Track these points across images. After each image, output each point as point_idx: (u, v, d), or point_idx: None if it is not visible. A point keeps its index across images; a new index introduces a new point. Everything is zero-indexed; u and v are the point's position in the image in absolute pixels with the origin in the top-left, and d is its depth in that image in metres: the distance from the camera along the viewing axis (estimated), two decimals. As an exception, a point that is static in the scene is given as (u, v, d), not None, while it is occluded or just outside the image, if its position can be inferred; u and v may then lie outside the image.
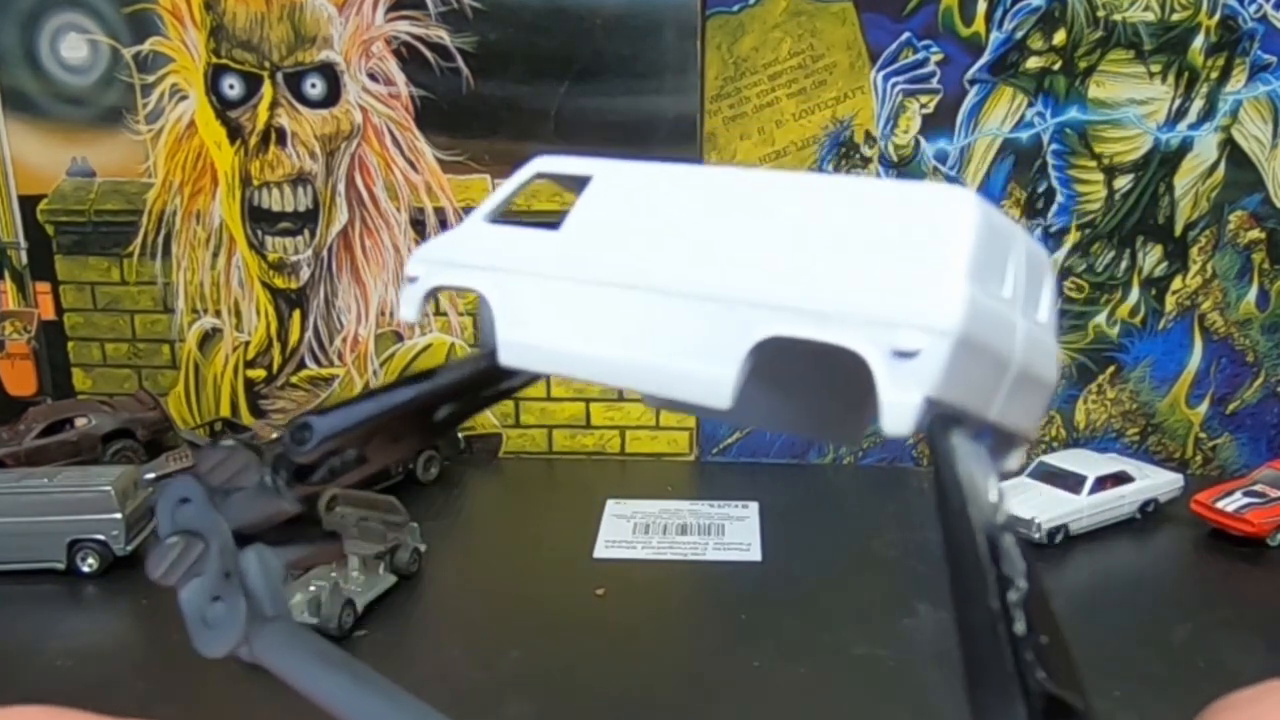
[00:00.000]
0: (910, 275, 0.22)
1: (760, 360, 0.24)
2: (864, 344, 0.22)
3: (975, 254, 0.22)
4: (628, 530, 1.04)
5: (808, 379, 0.25)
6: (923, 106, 1.14)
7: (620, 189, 0.27)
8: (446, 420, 0.29)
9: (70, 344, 1.27)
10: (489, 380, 0.29)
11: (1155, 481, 1.08)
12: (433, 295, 0.29)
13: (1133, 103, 1.13)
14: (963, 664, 0.20)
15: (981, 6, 1.11)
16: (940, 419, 0.22)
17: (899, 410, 0.22)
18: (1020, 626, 0.19)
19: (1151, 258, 1.17)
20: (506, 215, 0.31)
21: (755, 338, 0.23)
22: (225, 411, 1.27)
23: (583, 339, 0.26)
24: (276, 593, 0.30)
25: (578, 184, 0.28)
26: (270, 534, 0.31)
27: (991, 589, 0.20)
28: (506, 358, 0.27)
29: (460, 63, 1.15)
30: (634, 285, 0.25)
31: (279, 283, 1.24)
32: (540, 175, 0.29)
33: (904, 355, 0.21)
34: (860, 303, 0.22)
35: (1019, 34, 1.12)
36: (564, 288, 0.26)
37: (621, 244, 0.26)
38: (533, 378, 0.29)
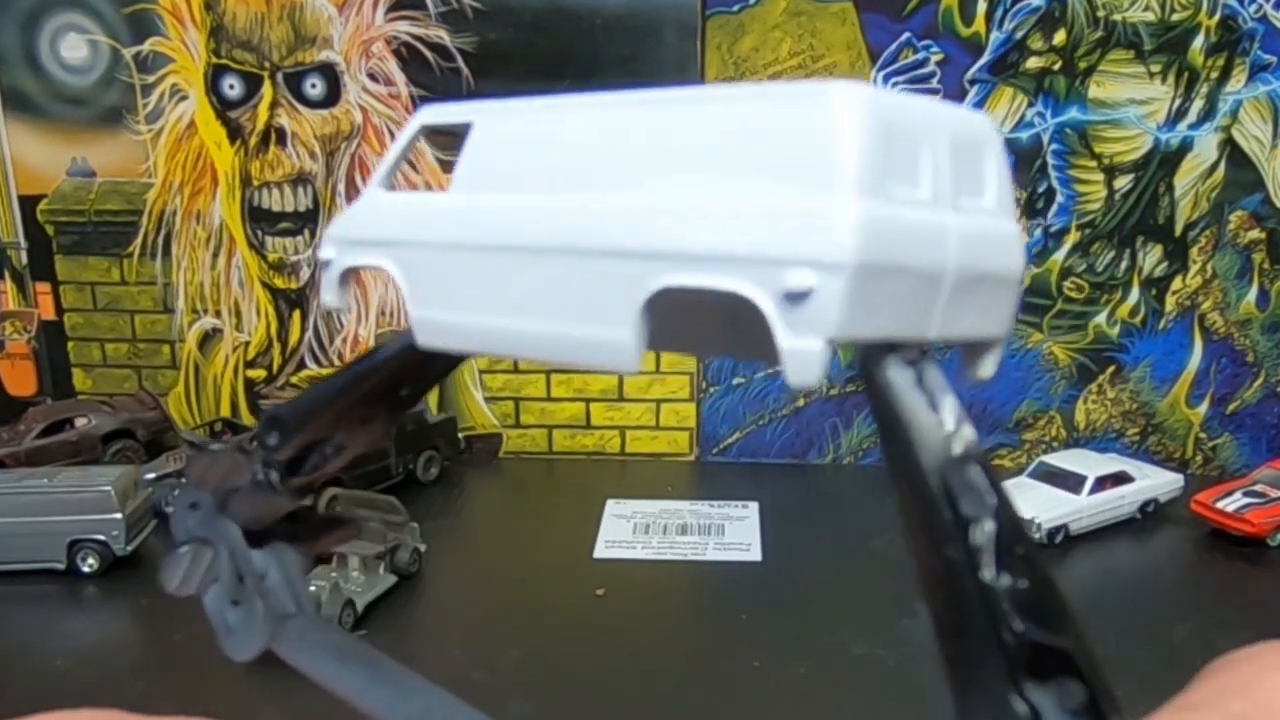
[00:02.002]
0: (791, 201, 0.19)
1: (662, 310, 0.21)
2: (751, 288, 0.19)
3: (867, 160, 0.19)
4: (628, 530, 1.04)
5: (720, 308, 0.21)
6: (923, 106, 1.14)
7: (498, 135, 0.25)
8: (410, 395, 0.28)
9: (70, 344, 1.27)
10: (431, 354, 0.27)
11: (1155, 481, 1.08)
12: (350, 277, 0.28)
13: (1133, 103, 1.13)
14: (931, 627, 0.18)
15: (981, 7, 1.11)
16: (869, 351, 0.19)
17: (801, 359, 0.19)
18: (988, 572, 0.17)
19: (1151, 258, 1.17)
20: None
21: (645, 292, 0.20)
22: (225, 411, 1.27)
23: (485, 311, 0.24)
24: (295, 589, 0.30)
25: (464, 134, 0.26)
26: (283, 528, 0.31)
27: (948, 532, 0.17)
28: (422, 338, 0.25)
29: (460, 63, 1.15)
30: (521, 246, 0.23)
31: (279, 283, 1.24)
32: (426, 128, 0.27)
33: (796, 297, 0.19)
34: (741, 240, 0.19)
35: (1019, 34, 1.12)
36: (459, 257, 0.25)
37: (505, 200, 0.24)
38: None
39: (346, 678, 0.28)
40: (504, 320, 0.24)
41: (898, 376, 0.19)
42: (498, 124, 0.26)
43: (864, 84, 0.19)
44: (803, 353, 0.19)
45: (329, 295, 0.28)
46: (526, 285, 0.23)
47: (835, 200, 0.19)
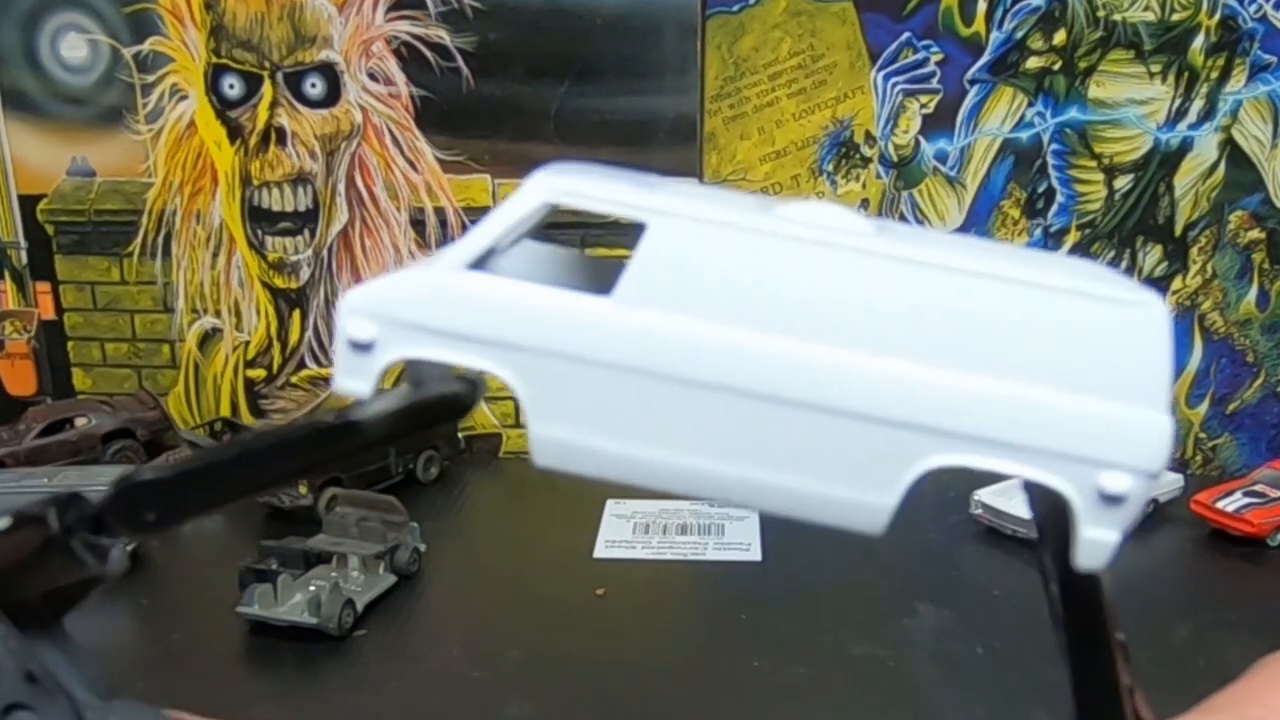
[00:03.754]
0: (1110, 408, 0.20)
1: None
2: (1065, 484, 0.20)
3: (1170, 377, 0.21)
4: (628, 530, 1.04)
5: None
6: (923, 106, 1.14)
7: (696, 249, 0.21)
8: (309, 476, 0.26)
9: (70, 344, 1.27)
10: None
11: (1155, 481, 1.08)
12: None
13: (1133, 103, 1.13)
14: None
15: (981, 6, 1.11)
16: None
17: (1098, 548, 0.21)
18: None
19: (1151, 258, 1.17)
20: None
21: (923, 466, 0.20)
22: (225, 411, 1.27)
23: (666, 446, 0.21)
24: (93, 675, 0.25)
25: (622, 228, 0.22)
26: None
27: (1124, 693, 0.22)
28: (544, 458, 0.22)
29: (460, 63, 1.15)
30: (746, 390, 0.20)
31: (279, 283, 1.24)
32: (549, 206, 0.22)
33: (1109, 497, 0.21)
34: (1059, 438, 0.20)
35: (1019, 34, 1.12)
36: (636, 381, 0.21)
37: (711, 330, 0.20)
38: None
39: None
40: (697, 460, 0.21)
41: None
42: (690, 234, 0.21)
43: (1159, 300, 0.20)
44: (1101, 543, 0.21)
45: (361, 383, 0.22)
46: (742, 429, 0.20)
47: (1155, 416, 0.20)
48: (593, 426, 0.21)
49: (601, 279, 0.23)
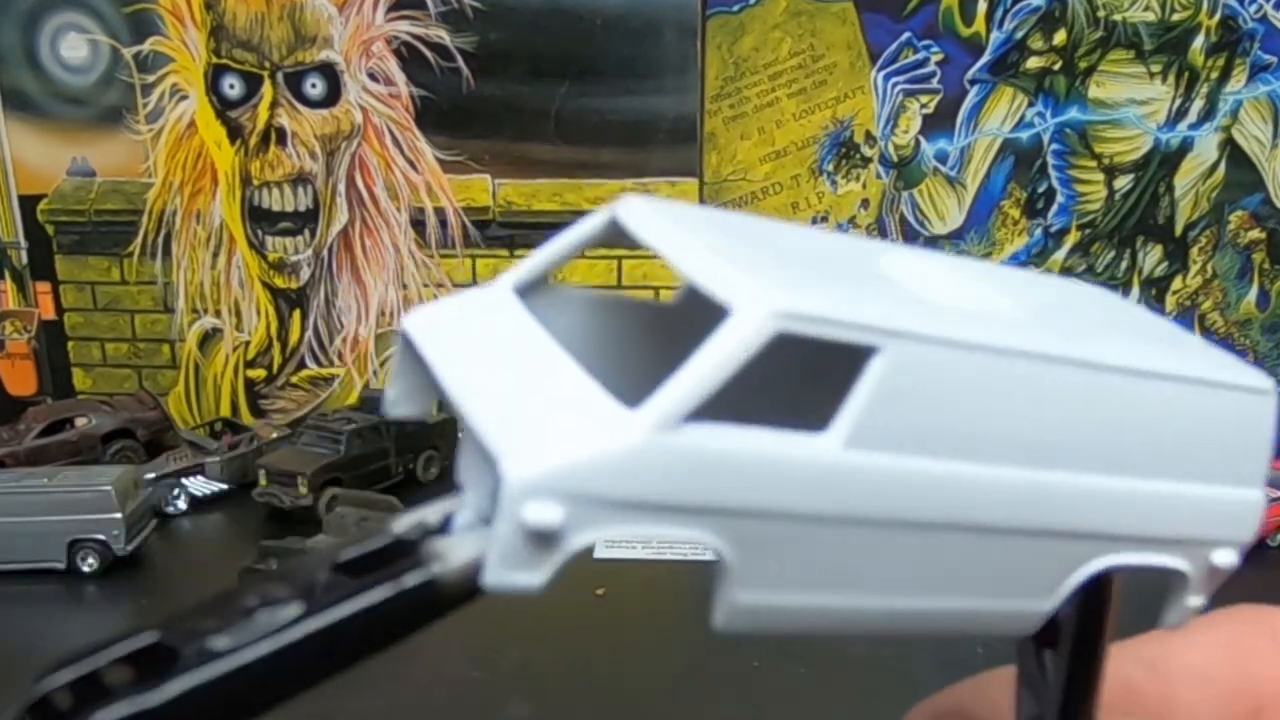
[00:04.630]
0: (1230, 493, 0.22)
1: None
2: (1185, 563, 0.22)
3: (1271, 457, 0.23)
4: (628, 530, 1.04)
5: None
6: (923, 106, 1.14)
7: (915, 379, 0.19)
8: None
9: (70, 344, 1.27)
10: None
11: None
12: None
13: (1133, 103, 1.13)
14: None
15: (981, 6, 1.11)
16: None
17: (1188, 613, 0.23)
18: None
19: (1151, 258, 1.17)
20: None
21: (1087, 570, 0.21)
22: (225, 411, 1.27)
23: (856, 592, 0.19)
24: None
25: (842, 351, 0.18)
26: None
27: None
28: (731, 622, 0.18)
29: (460, 63, 1.15)
30: (945, 524, 0.19)
31: (279, 283, 1.24)
32: (783, 336, 0.17)
33: (1218, 571, 0.23)
34: (1193, 527, 0.22)
35: (1019, 34, 1.12)
36: (848, 531, 0.18)
37: (926, 468, 0.19)
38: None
39: None
40: (880, 601, 0.19)
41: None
42: (924, 362, 0.19)
43: (1273, 386, 0.22)
44: (1193, 609, 0.23)
45: (526, 575, 0.17)
46: (933, 564, 0.19)
47: (1259, 496, 0.23)
48: (797, 584, 0.18)
49: (660, 331, 0.21)
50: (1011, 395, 0.19)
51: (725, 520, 0.18)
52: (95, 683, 0.17)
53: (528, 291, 0.21)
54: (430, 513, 0.19)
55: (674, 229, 0.20)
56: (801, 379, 0.20)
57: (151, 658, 0.17)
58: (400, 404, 0.21)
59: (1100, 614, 0.23)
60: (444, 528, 0.18)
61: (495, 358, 0.20)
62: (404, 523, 0.18)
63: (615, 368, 0.20)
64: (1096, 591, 0.22)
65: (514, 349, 0.20)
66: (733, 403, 0.17)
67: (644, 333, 0.23)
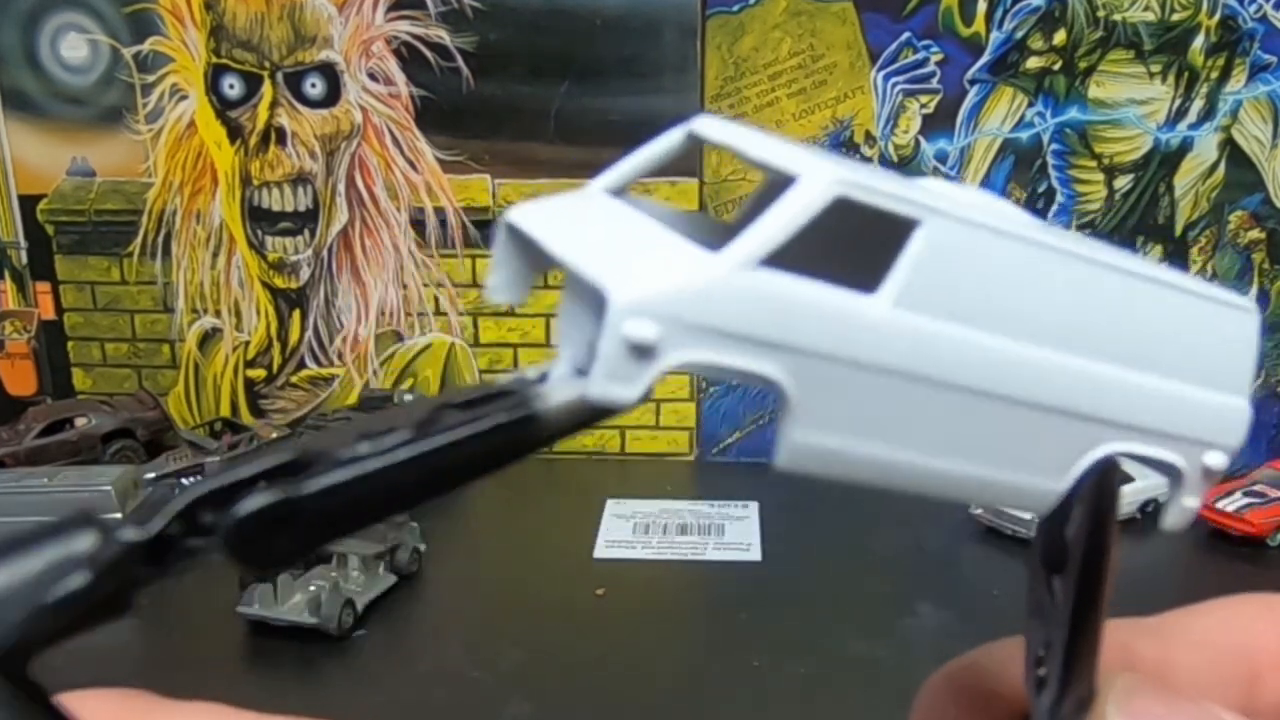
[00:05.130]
0: (1221, 399, 0.24)
1: None
2: (1181, 461, 0.24)
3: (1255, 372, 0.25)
4: (628, 530, 1.04)
5: None
6: (923, 106, 1.14)
7: (953, 253, 0.21)
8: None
9: (70, 344, 1.27)
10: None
11: (1155, 481, 1.07)
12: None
13: (1133, 103, 1.13)
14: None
15: (981, 6, 1.11)
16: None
17: (1186, 515, 0.25)
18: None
19: (1151, 258, 1.17)
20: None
21: (1095, 454, 0.23)
22: (225, 411, 1.27)
23: (897, 445, 0.21)
24: None
25: (881, 220, 0.21)
26: None
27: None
28: (792, 460, 0.21)
29: (460, 63, 1.15)
30: (978, 389, 0.21)
31: (279, 283, 1.24)
32: (841, 200, 0.20)
33: (1209, 472, 0.24)
34: (1190, 424, 0.24)
35: (1019, 34, 1.12)
36: (892, 384, 0.21)
37: (962, 334, 0.21)
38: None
39: None
40: (915, 456, 0.22)
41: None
42: (957, 241, 0.21)
43: (1255, 306, 0.25)
44: (1191, 510, 0.25)
45: (624, 389, 0.19)
46: (964, 427, 0.22)
47: (1245, 404, 0.25)
48: (846, 429, 0.21)
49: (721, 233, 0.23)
50: (1037, 280, 0.22)
51: (790, 357, 0.20)
52: (237, 496, 0.19)
53: (614, 195, 0.25)
54: (529, 371, 0.21)
55: (748, 134, 0.23)
56: (838, 272, 0.21)
57: (290, 473, 0.19)
58: (501, 290, 0.23)
59: (1104, 529, 0.25)
60: (542, 380, 0.21)
61: (594, 225, 0.23)
62: (506, 378, 0.21)
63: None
64: (1101, 504, 0.24)
65: (611, 219, 0.23)
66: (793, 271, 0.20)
67: (713, 236, 0.25)
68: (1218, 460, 0.24)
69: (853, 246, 0.21)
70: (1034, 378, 0.22)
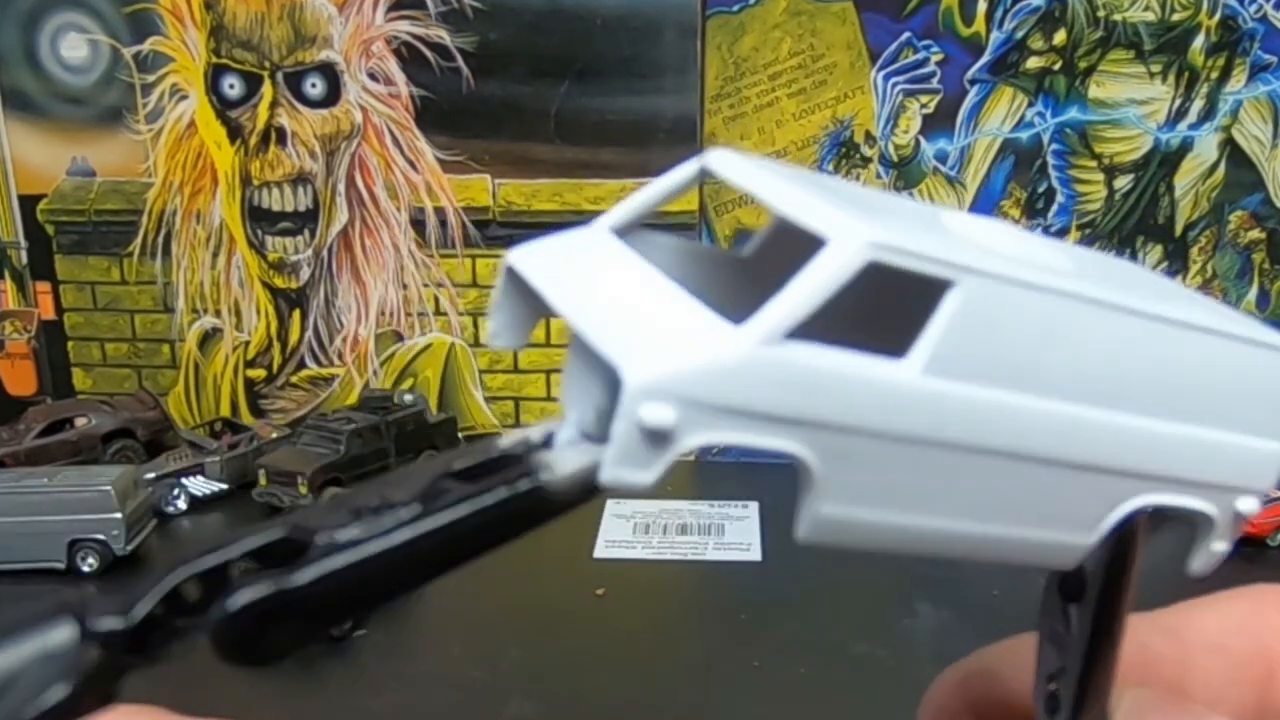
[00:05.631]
0: (1255, 444, 0.24)
1: None
2: (1214, 508, 0.24)
3: None
4: (628, 530, 1.04)
5: None
6: (923, 106, 1.14)
7: (986, 314, 0.20)
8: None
9: (70, 344, 1.27)
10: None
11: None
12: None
13: (1133, 103, 1.13)
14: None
15: (981, 6, 1.11)
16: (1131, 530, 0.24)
17: (1215, 559, 0.25)
18: None
19: (1151, 258, 1.17)
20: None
21: (1128, 508, 0.23)
22: (225, 411, 1.27)
23: (924, 513, 0.21)
24: None
25: (921, 282, 0.20)
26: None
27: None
28: (813, 533, 0.20)
29: (460, 63, 1.15)
30: (1009, 452, 0.21)
31: (279, 282, 1.24)
32: (874, 265, 0.19)
33: (1240, 516, 0.24)
34: (1223, 473, 0.24)
35: (1019, 34, 1.12)
36: (920, 452, 0.20)
37: (993, 397, 0.20)
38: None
39: None
40: (942, 522, 0.21)
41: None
42: (994, 299, 0.20)
43: None
44: (1220, 554, 0.24)
45: (639, 473, 0.19)
46: (993, 489, 0.21)
47: (1278, 447, 0.24)
48: (873, 501, 0.20)
49: (750, 280, 0.22)
50: (1071, 336, 0.21)
51: (815, 433, 0.19)
52: (224, 575, 0.18)
53: (621, 235, 0.23)
54: (533, 432, 0.20)
55: (764, 174, 0.22)
56: (868, 329, 0.21)
57: (279, 552, 0.18)
58: (502, 335, 0.23)
59: (1125, 565, 0.24)
60: (546, 444, 0.20)
61: (603, 282, 0.21)
62: (509, 439, 0.20)
63: (704, 301, 0.21)
64: (1123, 541, 0.23)
65: (620, 275, 0.21)
66: (819, 336, 0.19)
67: (725, 277, 0.24)
68: (1249, 505, 0.24)
69: (880, 301, 0.20)
70: (1066, 436, 0.21)
